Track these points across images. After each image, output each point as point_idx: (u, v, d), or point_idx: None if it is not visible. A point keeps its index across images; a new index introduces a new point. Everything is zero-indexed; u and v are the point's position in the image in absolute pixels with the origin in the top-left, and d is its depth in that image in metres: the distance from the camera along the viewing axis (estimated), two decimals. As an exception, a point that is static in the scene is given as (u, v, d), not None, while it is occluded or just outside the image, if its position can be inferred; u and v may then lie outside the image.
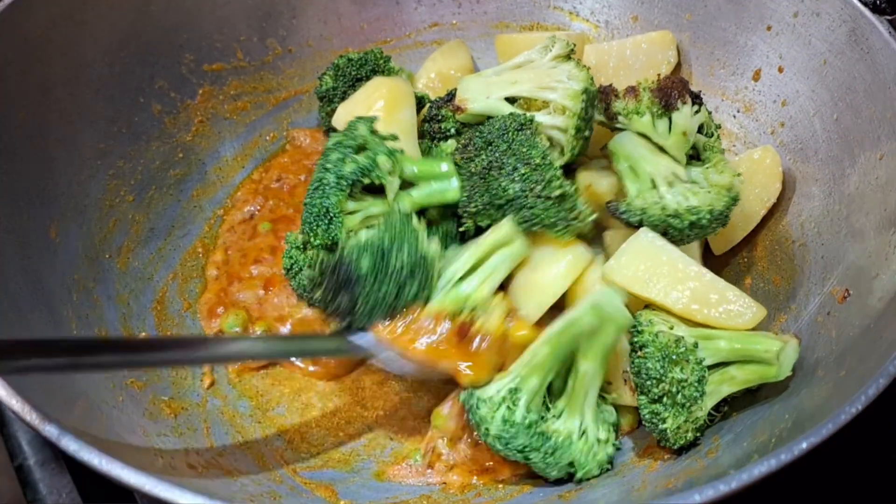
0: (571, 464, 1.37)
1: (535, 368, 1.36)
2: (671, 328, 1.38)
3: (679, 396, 1.34)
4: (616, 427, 1.44)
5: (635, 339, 1.38)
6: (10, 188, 1.45)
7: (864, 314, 1.35)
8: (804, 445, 1.03)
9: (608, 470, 1.40)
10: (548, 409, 1.38)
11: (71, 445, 1.01)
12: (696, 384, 1.33)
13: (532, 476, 1.42)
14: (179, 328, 1.64)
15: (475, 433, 1.40)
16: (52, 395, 1.17)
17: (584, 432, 1.37)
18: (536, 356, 1.37)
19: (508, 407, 1.34)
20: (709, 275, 1.43)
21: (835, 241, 1.52)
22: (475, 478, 1.44)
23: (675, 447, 1.38)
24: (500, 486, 1.41)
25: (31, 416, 1.05)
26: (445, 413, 1.47)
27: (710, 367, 1.37)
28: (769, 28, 1.75)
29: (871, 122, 1.51)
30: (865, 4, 1.58)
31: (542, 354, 1.36)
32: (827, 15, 1.63)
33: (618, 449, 1.43)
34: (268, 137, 1.95)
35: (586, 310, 1.34)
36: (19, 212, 1.46)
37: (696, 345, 1.35)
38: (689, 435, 1.37)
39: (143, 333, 1.57)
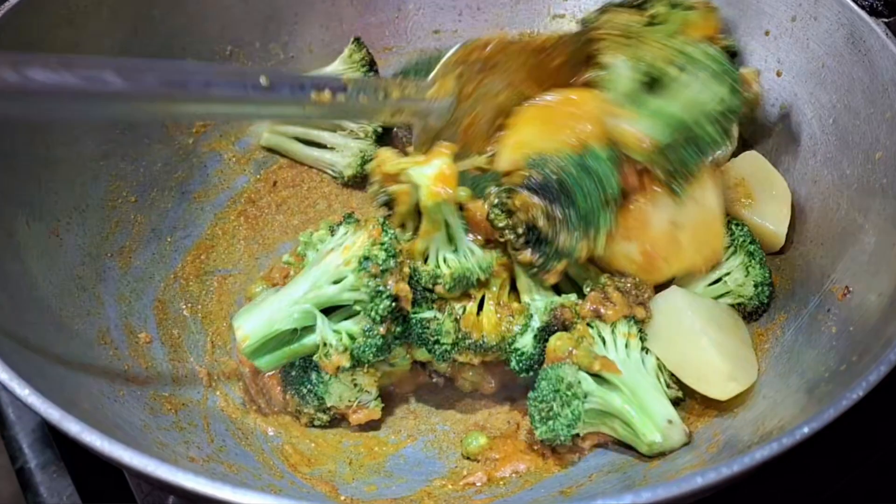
0: None
1: None
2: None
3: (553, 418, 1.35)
4: None
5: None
6: (13, 189, 1.47)
7: (865, 311, 1.36)
8: (806, 430, 1.03)
9: None
10: None
11: (73, 427, 1.01)
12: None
13: (533, 472, 1.42)
14: (181, 328, 1.63)
15: None
16: (53, 387, 1.17)
17: None
18: None
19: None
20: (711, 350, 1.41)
21: (834, 240, 1.53)
22: (476, 474, 1.44)
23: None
24: (501, 482, 1.41)
25: (31, 399, 1.05)
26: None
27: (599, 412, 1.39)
28: (767, 33, 1.76)
29: (870, 123, 1.52)
30: (863, 7, 1.60)
31: None
32: (825, 19, 1.64)
33: None
34: (269, 141, 1.95)
35: None
36: (22, 212, 1.47)
37: (585, 395, 1.35)
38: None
39: (144, 333, 1.57)
